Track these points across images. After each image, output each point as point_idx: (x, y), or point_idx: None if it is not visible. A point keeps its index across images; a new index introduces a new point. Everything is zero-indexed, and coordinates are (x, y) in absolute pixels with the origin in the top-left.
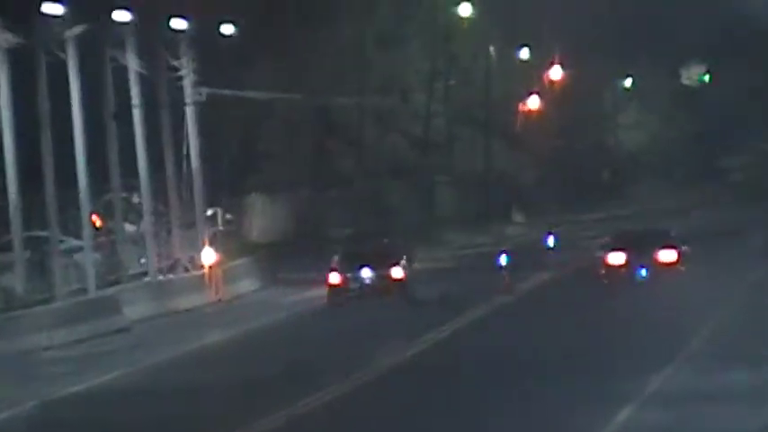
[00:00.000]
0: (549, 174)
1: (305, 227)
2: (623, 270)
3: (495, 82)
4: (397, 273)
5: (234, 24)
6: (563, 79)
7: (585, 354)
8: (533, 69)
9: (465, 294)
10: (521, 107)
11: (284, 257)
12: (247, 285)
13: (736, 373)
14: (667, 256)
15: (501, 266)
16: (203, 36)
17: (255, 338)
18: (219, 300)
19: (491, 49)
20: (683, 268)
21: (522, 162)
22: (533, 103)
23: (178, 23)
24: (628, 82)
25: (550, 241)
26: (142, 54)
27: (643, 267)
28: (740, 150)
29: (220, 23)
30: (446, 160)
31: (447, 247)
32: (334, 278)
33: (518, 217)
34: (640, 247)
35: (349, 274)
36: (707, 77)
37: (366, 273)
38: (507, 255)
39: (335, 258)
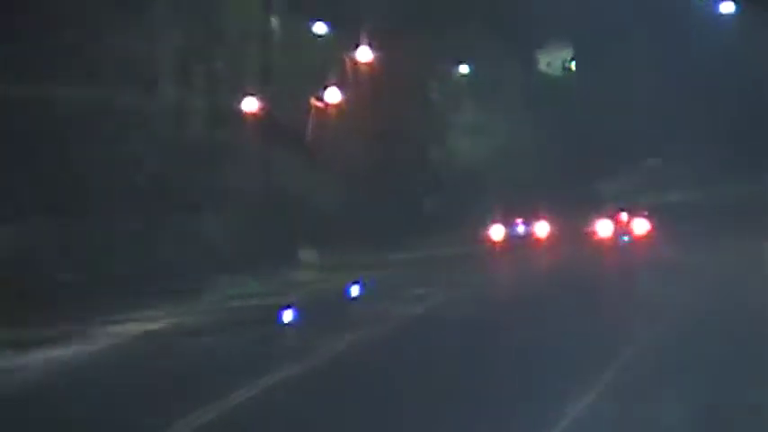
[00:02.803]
0: (354, 197)
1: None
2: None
3: (277, 67)
4: (540, 231)
5: None
6: (374, 65)
7: None
8: (333, 50)
9: (233, 363)
10: (314, 103)
11: None
12: None
13: None
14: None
15: (284, 324)
16: None
17: None
18: None
19: (272, 20)
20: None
21: (316, 180)
22: (332, 97)
23: None
24: (464, 68)
25: (354, 290)
26: None
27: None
28: (616, 170)
29: None
30: (211, 177)
31: (212, 294)
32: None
33: (308, 256)
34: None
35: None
36: (572, 64)
37: (520, 228)
38: (293, 309)
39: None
